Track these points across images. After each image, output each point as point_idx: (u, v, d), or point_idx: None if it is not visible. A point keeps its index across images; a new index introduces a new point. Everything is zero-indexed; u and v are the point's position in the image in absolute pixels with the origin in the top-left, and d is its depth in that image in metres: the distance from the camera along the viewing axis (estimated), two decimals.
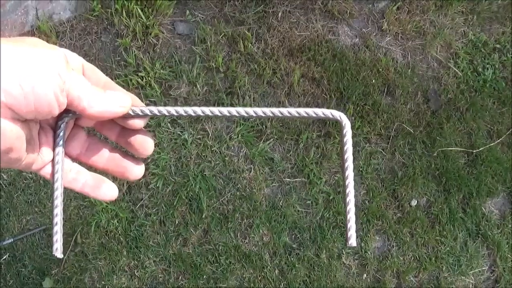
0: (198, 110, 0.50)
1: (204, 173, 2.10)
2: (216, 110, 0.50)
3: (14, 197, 2.10)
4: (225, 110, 0.50)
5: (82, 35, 2.18)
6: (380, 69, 2.20)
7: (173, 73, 2.15)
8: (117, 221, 2.08)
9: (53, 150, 0.49)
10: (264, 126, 2.14)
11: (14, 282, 2.09)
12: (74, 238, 2.08)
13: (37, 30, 2.15)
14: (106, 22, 2.19)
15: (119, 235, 2.08)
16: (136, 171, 0.54)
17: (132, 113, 0.49)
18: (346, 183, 0.51)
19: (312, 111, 0.50)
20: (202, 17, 2.18)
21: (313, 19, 2.22)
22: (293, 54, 2.19)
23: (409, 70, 2.24)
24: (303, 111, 0.50)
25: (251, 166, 2.13)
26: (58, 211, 0.49)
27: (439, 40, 2.26)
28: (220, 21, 2.18)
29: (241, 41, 2.16)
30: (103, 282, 2.08)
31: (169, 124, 2.12)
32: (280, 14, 2.20)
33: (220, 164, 2.12)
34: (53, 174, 0.50)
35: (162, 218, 2.10)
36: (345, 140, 0.51)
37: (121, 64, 2.16)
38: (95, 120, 0.51)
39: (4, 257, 2.10)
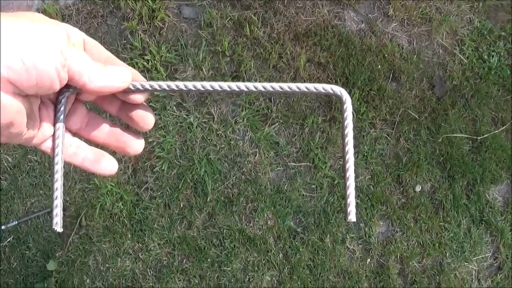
0: (198, 85, 0.50)
1: (209, 156, 2.11)
2: (216, 85, 0.50)
3: (19, 179, 2.10)
4: (225, 85, 0.50)
5: (88, 18, 2.18)
6: (386, 55, 2.21)
7: (179, 57, 2.15)
8: (122, 204, 2.08)
9: (54, 124, 0.50)
10: (269, 110, 2.14)
11: (18, 264, 2.09)
12: (78, 221, 2.08)
13: (43, 13, 2.15)
14: (112, 6, 2.18)
15: (124, 218, 2.09)
16: (136, 145, 0.54)
17: (132, 88, 0.49)
18: (346, 158, 0.51)
19: (313, 86, 0.50)
20: (209, 1, 2.18)
21: (319, 4, 2.23)
22: (299, 39, 2.19)
23: (415, 56, 2.24)
24: (303, 86, 0.50)
25: (256, 150, 2.13)
26: (58, 185, 0.50)
27: (445, 26, 2.27)
28: (226, 5, 2.18)
29: (247, 25, 2.16)
30: (107, 265, 2.08)
31: (174, 107, 2.12)
32: None
33: (225, 147, 2.12)
34: (53, 148, 0.50)
35: (167, 201, 2.10)
36: (345, 115, 0.51)
37: (127, 47, 2.16)
38: (96, 95, 0.51)
39: (9, 239, 2.10)
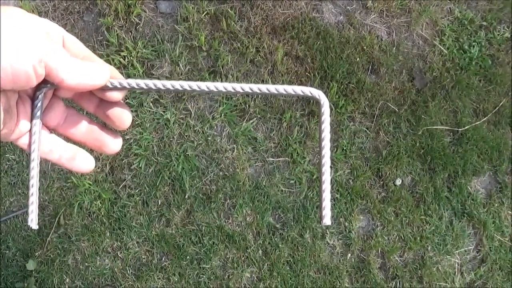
0: (177, 84, 0.50)
1: (187, 153, 2.09)
2: (194, 85, 0.50)
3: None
4: (203, 85, 0.50)
5: (64, 15, 2.16)
6: (365, 47, 2.18)
7: (156, 53, 2.13)
8: (100, 202, 2.07)
9: (31, 121, 0.49)
10: (247, 106, 2.12)
11: None
12: (57, 220, 2.07)
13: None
14: (89, 2, 2.16)
15: (102, 216, 2.07)
16: (113, 144, 0.54)
17: (110, 86, 0.49)
18: (322, 162, 0.50)
19: (291, 89, 0.50)
20: None
21: None
22: (277, 32, 2.16)
23: (394, 48, 2.21)
24: (282, 88, 0.50)
25: (234, 145, 2.11)
26: (34, 181, 0.50)
27: (425, 17, 2.23)
28: None
29: (224, 19, 2.13)
30: (86, 264, 2.07)
31: (151, 103, 2.10)
32: None
33: (203, 143, 2.10)
34: (30, 144, 0.49)
35: (145, 198, 2.08)
36: (323, 118, 0.51)
37: (103, 43, 2.14)
38: (74, 92, 0.51)
39: None
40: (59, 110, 0.52)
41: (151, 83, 0.50)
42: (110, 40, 2.11)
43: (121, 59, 2.11)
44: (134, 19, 2.14)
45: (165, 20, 2.17)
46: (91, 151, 0.55)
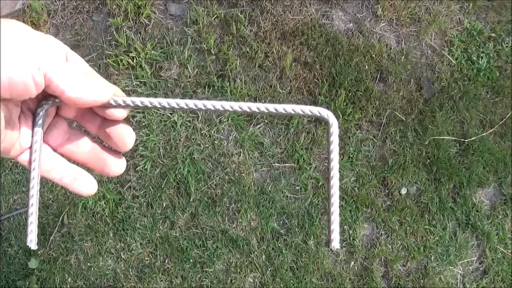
0: (182, 103, 0.49)
1: (193, 156, 2.08)
2: (200, 104, 0.48)
3: (1, 176, 2.08)
4: (209, 104, 0.49)
5: (73, 14, 2.15)
6: (374, 55, 2.18)
7: (164, 54, 2.13)
8: (104, 203, 2.07)
9: (32, 137, 0.48)
10: None
11: (0, 262, 2.08)
12: (60, 219, 2.07)
13: (28, 8, 2.13)
14: (98, 1, 2.16)
15: (106, 216, 2.07)
16: (116, 166, 0.52)
17: (113, 103, 0.48)
18: (331, 183, 0.49)
19: (300, 109, 0.49)
20: None
21: (307, 3, 2.20)
22: (286, 38, 2.16)
23: (403, 56, 2.21)
24: (290, 108, 0.48)
25: (241, 150, 2.11)
26: (34, 201, 0.48)
27: (434, 27, 2.24)
28: (213, 2, 2.15)
29: (233, 23, 2.13)
30: (89, 264, 2.07)
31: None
32: None
33: (209, 147, 2.10)
34: (30, 162, 0.48)
35: (149, 200, 2.08)
36: (331, 139, 0.49)
37: (112, 44, 2.14)
38: (75, 107, 0.50)
39: None
40: (62, 130, 0.51)
41: (155, 101, 0.49)
42: (119, 41, 2.11)
43: (130, 60, 2.10)
44: (143, 20, 2.13)
45: (174, 22, 2.17)
46: (93, 172, 0.54)
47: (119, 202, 2.08)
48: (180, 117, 2.09)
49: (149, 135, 2.08)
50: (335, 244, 0.48)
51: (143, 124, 2.08)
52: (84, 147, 0.52)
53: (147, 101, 0.48)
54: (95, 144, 0.52)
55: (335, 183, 0.49)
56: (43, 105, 0.47)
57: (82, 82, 0.44)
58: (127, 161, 2.07)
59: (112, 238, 2.07)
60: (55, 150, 0.51)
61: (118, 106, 0.48)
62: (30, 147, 0.48)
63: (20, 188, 2.09)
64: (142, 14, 2.12)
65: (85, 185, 0.51)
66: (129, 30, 2.13)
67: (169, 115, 2.09)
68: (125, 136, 0.51)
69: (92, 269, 2.07)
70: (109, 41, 2.14)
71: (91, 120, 0.51)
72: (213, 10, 2.14)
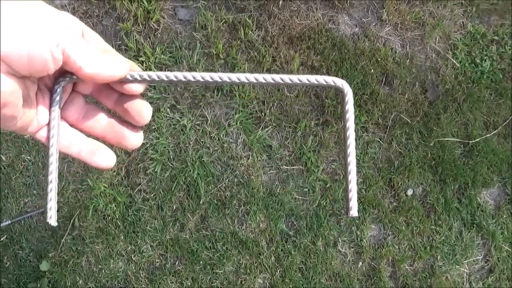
0: (198, 76, 0.49)
1: (203, 159, 2.11)
2: (216, 76, 0.49)
3: (13, 179, 2.11)
4: (225, 76, 0.50)
5: (83, 18, 2.18)
6: (379, 59, 2.21)
7: (173, 59, 2.16)
8: (115, 206, 2.09)
9: (49, 114, 0.49)
10: (262, 114, 2.15)
11: (11, 264, 2.10)
12: (71, 222, 2.09)
13: None
14: (108, 6, 2.19)
15: (117, 219, 2.09)
16: (134, 138, 0.53)
17: (130, 78, 0.48)
18: (348, 151, 0.50)
19: (314, 78, 0.49)
20: (204, 3, 2.19)
21: (314, 8, 2.23)
22: (293, 42, 2.20)
23: (408, 60, 2.25)
24: (304, 78, 0.49)
25: (249, 153, 2.14)
26: (53, 177, 0.49)
27: (438, 31, 2.28)
28: (221, 7, 2.18)
29: (241, 28, 2.16)
30: (100, 266, 2.09)
31: (168, 109, 2.13)
32: (280, 2, 2.21)
33: (218, 150, 2.13)
34: (48, 138, 0.49)
35: (160, 203, 2.11)
36: (346, 108, 0.50)
37: (121, 48, 2.16)
38: (92, 82, 0.50)
39: (2, 239, 2.11)
40: (79, 105, 0.52)
41: (172, 75, 0.49)
42: (128, 45, 2.14)
43: (139, 64, 2.13)
44: (153, 25, 2.16)
45: (183, 27, 2.20)
46: (112, 146, 0.54)
47: (129, 205, 2.10)
48: (190, 120, 2.12)
49: (159, 138, 2.11)
50: (354, 212, 0.49)
51: (153, 127, 2.11)
52: (101, 121, 0.52)
53: (163, 75, 0.49)
54: (111, 119, 0.53)
55: (351, 151, 0.50)
56: (60, 82, 0.48)
57: (99, 58, 0.45)
58: (137, 164, 2.10)
59: (123, 241, 2.10)
60: (72, 126, 0.52)
61: (135, 80, 0.49)
62: (48, 124, 0.49)
63: (31, 191, 2.11)
64: (151, 19, 2.15)
65: (103, 158, 0.52)
66: (138, 34, 2.16)
67: (179, 118, 2.12)
68: (143, 109, 0.52)
69: (103, 271, 2.09)
70: (119, 46, 2.17)
71: (108, 96, 0.52)
72: (222, 15, 2.17)
